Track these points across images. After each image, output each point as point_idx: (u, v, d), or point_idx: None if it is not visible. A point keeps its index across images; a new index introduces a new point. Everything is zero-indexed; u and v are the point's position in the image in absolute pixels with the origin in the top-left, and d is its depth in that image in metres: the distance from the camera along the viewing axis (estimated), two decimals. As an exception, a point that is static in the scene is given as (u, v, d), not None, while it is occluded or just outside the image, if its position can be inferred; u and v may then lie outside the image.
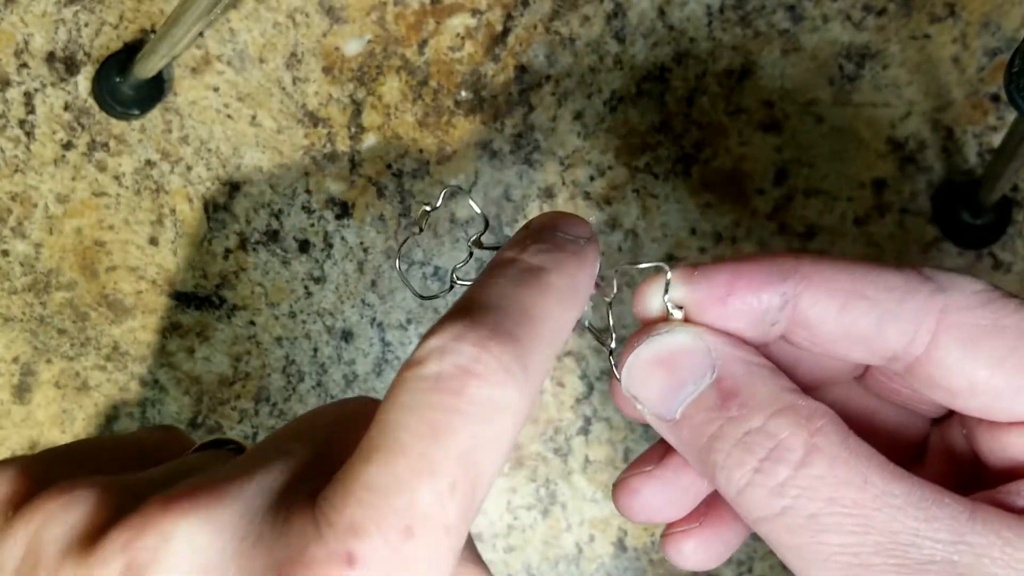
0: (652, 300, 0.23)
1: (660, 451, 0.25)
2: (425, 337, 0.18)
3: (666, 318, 0.23)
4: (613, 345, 0.24)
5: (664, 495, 0.24)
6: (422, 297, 0.25)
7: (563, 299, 0.20)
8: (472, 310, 0.18)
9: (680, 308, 0.22)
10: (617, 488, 0.25)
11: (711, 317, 0.22)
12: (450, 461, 0.17)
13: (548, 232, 0.21)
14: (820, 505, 0.19)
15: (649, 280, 0.23)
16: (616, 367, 0.23)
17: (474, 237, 0.25)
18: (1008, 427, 0.21)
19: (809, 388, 0.24)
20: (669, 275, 0.22)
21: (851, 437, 0.20)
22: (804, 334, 0.22)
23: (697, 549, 0.25)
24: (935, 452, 0.24)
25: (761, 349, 0.23)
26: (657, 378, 0.22)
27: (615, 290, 0.24)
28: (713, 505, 0.25)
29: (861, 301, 0.21)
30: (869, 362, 0.22)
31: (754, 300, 0.21)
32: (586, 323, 0.25)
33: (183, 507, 0.16)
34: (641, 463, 0.25)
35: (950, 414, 0.24)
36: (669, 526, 0.25)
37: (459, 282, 0.24)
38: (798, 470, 0.20)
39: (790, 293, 0.21)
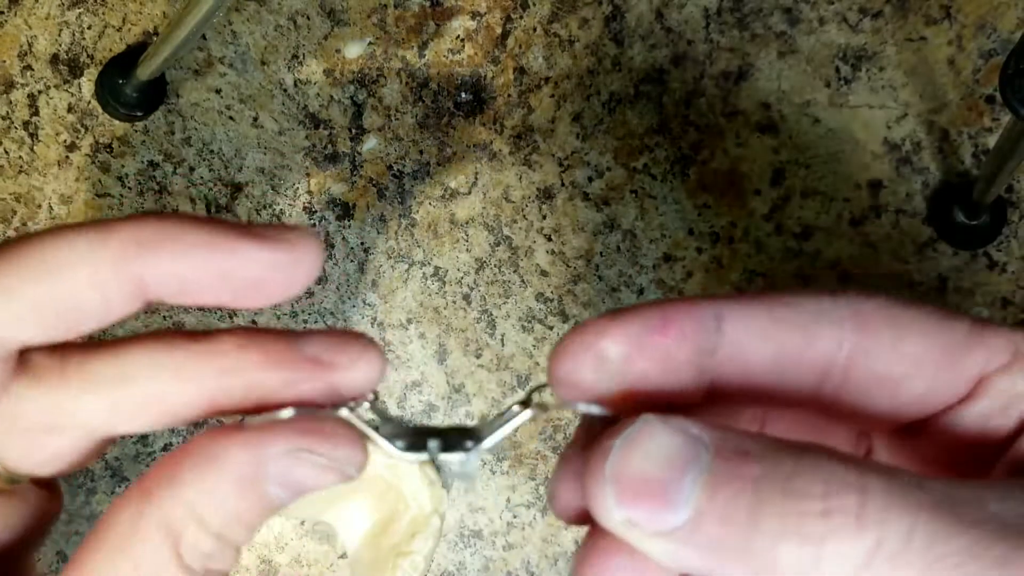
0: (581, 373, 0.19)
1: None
2: None
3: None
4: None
5: None
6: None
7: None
8: None
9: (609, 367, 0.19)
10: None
11: (654, 353, 0.19)
12: None
13: None
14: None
15: (569, 349, 0.19)
16: (552, 499, 0.20)
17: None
18: (969, 402, 0.19)
19: None
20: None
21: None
22: (736, 365, 0.20)
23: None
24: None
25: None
26: (649, 483, 0.18)
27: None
28: None
29: (786, 308, 0.20)
30: (803, 387, 0.20)
31: (691, 322, 0.20)
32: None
33: None
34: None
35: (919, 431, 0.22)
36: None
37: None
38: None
39: (721, 312, 0.20)
